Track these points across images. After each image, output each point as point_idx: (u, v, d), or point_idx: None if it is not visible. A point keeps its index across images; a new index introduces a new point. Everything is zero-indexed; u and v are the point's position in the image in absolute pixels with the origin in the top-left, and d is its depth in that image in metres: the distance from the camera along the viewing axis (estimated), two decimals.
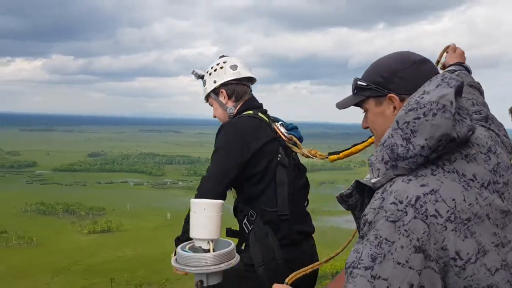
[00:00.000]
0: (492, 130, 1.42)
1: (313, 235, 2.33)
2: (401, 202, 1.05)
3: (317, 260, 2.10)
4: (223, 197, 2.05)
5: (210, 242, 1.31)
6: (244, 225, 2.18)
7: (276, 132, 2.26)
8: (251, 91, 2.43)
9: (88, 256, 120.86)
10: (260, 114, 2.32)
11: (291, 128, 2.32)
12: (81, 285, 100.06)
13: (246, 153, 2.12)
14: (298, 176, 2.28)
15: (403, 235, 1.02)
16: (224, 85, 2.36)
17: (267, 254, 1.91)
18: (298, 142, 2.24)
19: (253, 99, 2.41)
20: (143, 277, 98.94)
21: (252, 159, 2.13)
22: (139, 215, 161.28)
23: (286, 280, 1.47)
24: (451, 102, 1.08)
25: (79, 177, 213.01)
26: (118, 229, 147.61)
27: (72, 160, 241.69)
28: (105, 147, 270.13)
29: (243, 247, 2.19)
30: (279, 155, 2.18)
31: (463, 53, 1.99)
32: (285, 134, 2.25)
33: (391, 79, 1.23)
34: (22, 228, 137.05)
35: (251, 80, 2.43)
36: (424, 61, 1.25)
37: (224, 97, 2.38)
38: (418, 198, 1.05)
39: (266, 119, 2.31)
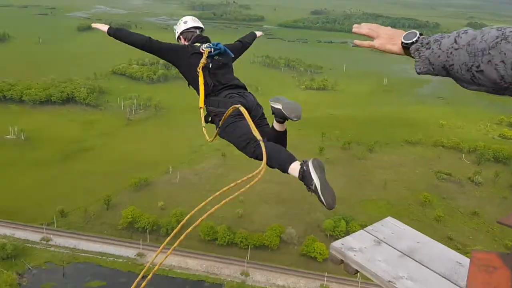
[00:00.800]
0: None
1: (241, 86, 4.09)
2: None
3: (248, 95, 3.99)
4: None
5: None
6: (206, 103, 3.96)
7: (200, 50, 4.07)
8: (199, 33, 4.34)
9: (305, 110, 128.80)
10: (196, 44, 4.15)
11: (215, 44, 4.07)
12: (295, 134, 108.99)
13: (185, 50, 4.11)
14: (221, 67, 4.05)
15: None
16: (181, 33, 4.33)
17: (224, 106, 3.74)
18: (206, 49, 4.00)
19: (198, 37, 4.26)
20: (352, 136, 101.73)
21: (189, 58, 4.07)
22: (355, 76, 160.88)
23: None
24: None
25: (301, 34, 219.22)
26: (333, 88, 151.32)
27: (296, 17, 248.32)
28: (328, 5, 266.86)
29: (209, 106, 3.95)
30: (202, 60, 3.96)
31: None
32: (202, 48, 4.02)
33: None
34: (250, 77, 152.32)
35: (198, 28, 4.36)
36: None
37: (183, 40, 4.32)
38: None
39: (198, 45, 4.10)
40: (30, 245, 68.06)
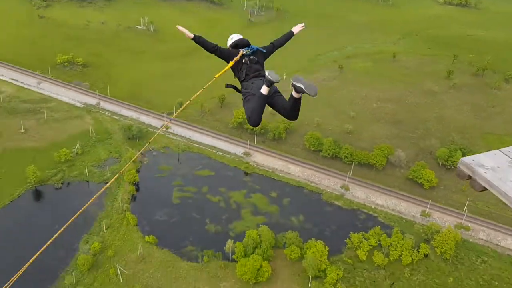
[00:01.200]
0: None
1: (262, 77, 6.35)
2: None
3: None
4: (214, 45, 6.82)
5: None
6: (242, 87, 6.45)
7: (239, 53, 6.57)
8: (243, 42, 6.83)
9: (438, 27, 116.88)
10: (240, 50, 6.55)
11: (250, 47, 6.60)
12: (422, 52, 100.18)
13: (232, 53, 6.61)
14: (254, 63, 6.44)
15: None
16: (230, 46, 6.75)
17: (250, 90, 6.17)
18: (241, 52, 6.43)
19: (239, 42, 6.74)
20: (488, 62, 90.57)
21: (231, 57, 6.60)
22: None
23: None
24: None
25: None
26: (476, 6, 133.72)
27: None
28: None
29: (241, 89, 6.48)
30: (243, 60, 6.43)
31: None
32: (240, 52, 6.45)
33: None
34: None
35: (240, 40, 6.77)
36: None
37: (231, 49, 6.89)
38: None
39: (241, 49, 6.51)
40: (152, 129, 74.85)
